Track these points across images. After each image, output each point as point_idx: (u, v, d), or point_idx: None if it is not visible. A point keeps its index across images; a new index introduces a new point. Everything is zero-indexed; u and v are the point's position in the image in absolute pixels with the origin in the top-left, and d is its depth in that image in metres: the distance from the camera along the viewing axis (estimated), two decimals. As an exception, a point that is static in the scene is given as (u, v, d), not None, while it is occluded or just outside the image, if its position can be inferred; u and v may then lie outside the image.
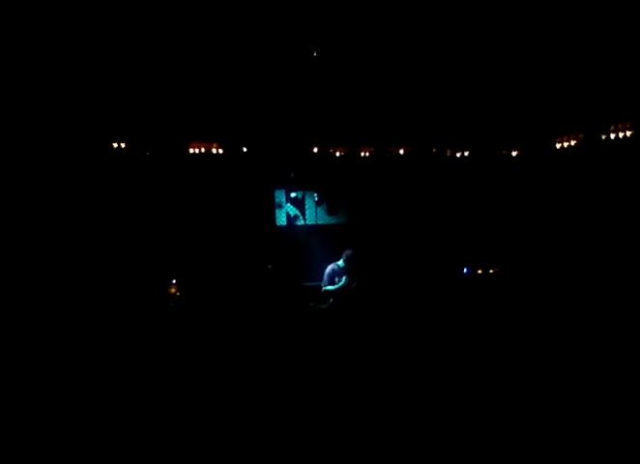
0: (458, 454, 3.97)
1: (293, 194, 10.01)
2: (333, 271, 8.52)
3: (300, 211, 10.07)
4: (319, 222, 10.17)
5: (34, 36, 6.31)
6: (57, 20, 6.08)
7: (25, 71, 6.81)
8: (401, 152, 9.41)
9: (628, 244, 8.17)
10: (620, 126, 7.94)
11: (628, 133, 7.88)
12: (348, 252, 8.54)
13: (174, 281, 8.70)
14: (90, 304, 7.94)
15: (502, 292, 9.04)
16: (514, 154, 9.71)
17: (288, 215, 10.04)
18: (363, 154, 9.48)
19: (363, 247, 9.36)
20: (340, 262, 8.51)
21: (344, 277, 8.29)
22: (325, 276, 8.54)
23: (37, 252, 7.89)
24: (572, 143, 8.73)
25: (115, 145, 8.48)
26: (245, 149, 9.14)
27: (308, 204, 10.13)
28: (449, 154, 9.62)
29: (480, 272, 9.70)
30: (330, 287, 8.41)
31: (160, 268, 8.75)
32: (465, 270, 9.77)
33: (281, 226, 10.04)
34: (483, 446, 4.07)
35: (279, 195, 10.01)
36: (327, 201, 10.15)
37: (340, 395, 5.28)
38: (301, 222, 10.13)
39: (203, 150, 8.95)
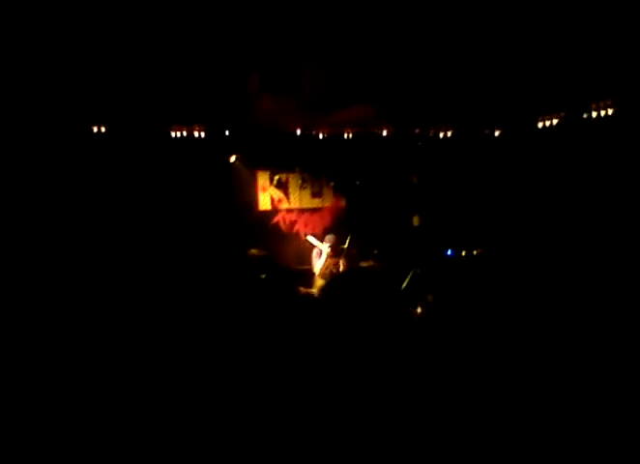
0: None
1: (277, 177, 9.95)
2: (318, 254, 8.62)
3: (284, 194, 10.02)
4: (304, 206, 10.13)
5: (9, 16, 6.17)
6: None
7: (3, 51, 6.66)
8: (384, 133, 9.38)
9: (611, 223, 8.25)
10: (601, 104, 7.98)
11: (610, 111, 7.93)
12: (331, 238, 8.60)
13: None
14: (68, 294, 7.81)
15: (487, 273, 9.09)
16: (497, 133, 9.74)
17: (272, 198, 9.98)
18: (346, 135, 9.44)
19: (348, 229, 9.37)
20: (325, 247, 8.57)
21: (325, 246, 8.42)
22: (313, 260, 8.65)
23: (14, 240, 7.75)
24: (554, 122, 8.76)
25: (95, 129, 8.35)
26: (227, 132, 9.04)
27: (292, 187, 10.07)
28: (431, 134, 9.61)
29: (464, 253, 9.74)
30: (319, 265, 8.55)
31: (142, 255, 8.64)
32: (449, 251, 9.81)
33: (265, 210, 9.99)
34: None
35: (263, 178, 9.93)
36: (311, 184, 10.11)
37: (330, 383, 5.24)
38: (285, 206, 10.08)
39: (185, 133, 8.84)
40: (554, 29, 7.68)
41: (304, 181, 10.04)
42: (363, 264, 8.97)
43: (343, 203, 10.17)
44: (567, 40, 7.76)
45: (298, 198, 10.11)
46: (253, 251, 8.21)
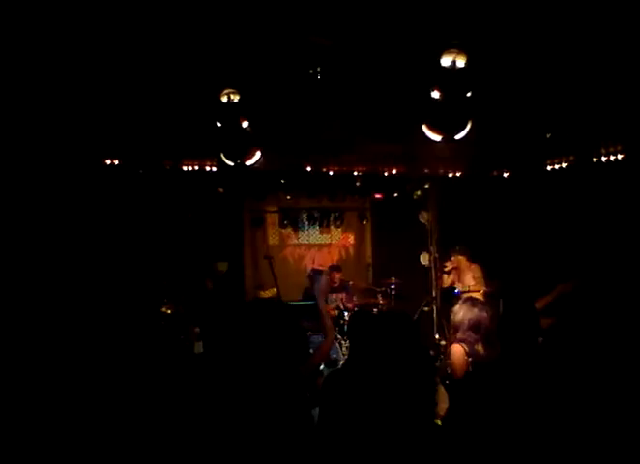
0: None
1: (286, 213, 10.00)
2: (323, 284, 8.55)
3: (293, 230, 10.05)
4: (312, 241, 10.16)
5: (28, 51, 6.26)
6: (51, 33, 6.04)
7: (19, 83, 6.72)
8: (394, 172, 9.43)
9: (620, 265, 8.22)
10: (611, 149, 8.00)
11: (620, 156, 7.94)
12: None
13: (166, 300, 8.60)
14: (81, 321, 7.80)
15: (494, 312, 9.04)
16: (505, 175, 9.79)
17: (281, 234, 10.01)
18: (356, 173, 9.49)
19: (355, 266, 9.39)
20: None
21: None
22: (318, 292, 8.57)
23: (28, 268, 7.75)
24: (564, 165, 8.79)
25: (108, 162, 8.41)
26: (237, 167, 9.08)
27: (301, 223, 10.11)
28: (441, 173, 9.66)
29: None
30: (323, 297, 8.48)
31: (152, 286, 8.64)
32: (456, 290, 9.76)
33: (273, 245, 10.01)
34: None
35: (272, 214, 9.98)
36: (320, 220, 10.15)
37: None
38: (294, 241, 10.11)
39: (197, 168, 8.91)
40: (564, 73, 7.75)
41: (312, 217, 10.08)
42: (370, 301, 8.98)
43: (351, 239, 10.19)
44: (577, 84, 7.82)
45: (306, 234, 10.15)
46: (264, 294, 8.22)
